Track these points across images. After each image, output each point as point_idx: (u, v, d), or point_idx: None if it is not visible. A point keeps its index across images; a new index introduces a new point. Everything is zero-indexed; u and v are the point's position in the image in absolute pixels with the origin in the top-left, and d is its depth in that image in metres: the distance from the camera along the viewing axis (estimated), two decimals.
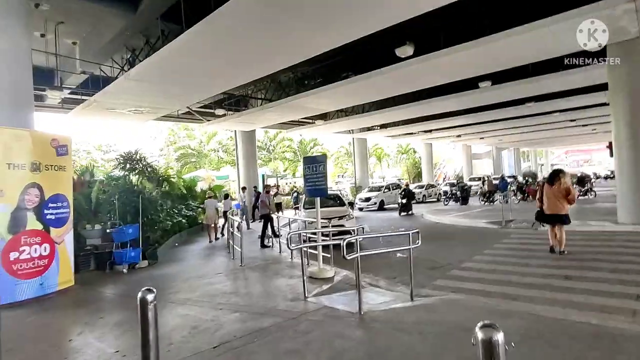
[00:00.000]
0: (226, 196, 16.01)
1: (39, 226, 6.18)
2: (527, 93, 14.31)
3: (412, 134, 28.22)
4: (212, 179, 22.21)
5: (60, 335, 4.42)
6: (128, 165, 9.22)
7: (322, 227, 10.17)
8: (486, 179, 24.66)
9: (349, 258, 4.52)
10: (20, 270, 5.87)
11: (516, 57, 9.30)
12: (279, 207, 15.87)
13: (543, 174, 43.79)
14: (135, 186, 8.79)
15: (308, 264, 7.01)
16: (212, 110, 16.74)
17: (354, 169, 28.06)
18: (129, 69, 9.98)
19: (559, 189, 7.19)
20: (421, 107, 16.54)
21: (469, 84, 13.59)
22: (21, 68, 6.76)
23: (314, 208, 11.74)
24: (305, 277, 5.59)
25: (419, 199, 24.13)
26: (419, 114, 19.83)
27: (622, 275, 5.86)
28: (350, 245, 4.66)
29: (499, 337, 1.70)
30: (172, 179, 13.62)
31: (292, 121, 20.44)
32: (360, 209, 20.73)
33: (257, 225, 14.92)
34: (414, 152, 41.24)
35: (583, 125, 25.75)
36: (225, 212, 14.77)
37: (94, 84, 12.04)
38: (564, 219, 7.25)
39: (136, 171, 9.35)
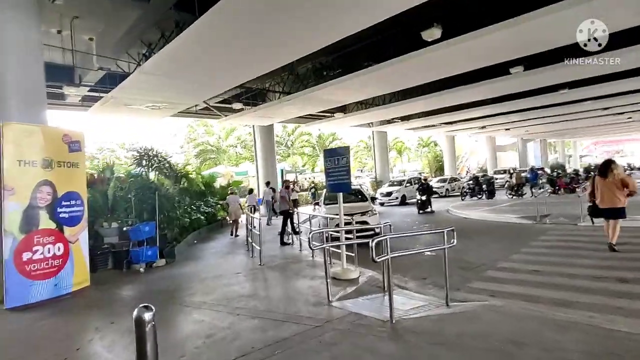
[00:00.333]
0: (250, 191, 15.89)
1: (52, 225, 5.96)
2: (563, 79, 13.32)
3: (433, 126, 27.29)
4: (231, 175, 22.06)
5: (68, 343, 4.14)
6: (144, 162, 8.99)
7: (345, 223, 9.74)
8: (513, 171, 23.63)
9: (378, 260, 4.05)
10: (33, 271, 5.66)
11: (554, 37, 8.50)
12: (294, 203, 15.61)
13: (570, 165, 41.93)
14: (152, 183, 8.53)
15: (331, 263, 6.57)
16: (229, 106, 16.47)
17: (374, 163, 27.40)
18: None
19: (614, 180, 6.52)
20: (444, 97, 15.74)
21: (496, 71, 12.79)
22: (32, 61, 6.54)
23: (334, 204, 11.34)
24: (328, 280, 5.15)
25: (441, 193, 23.35)
26: (441, 105, 18.96)
27: None
28: (377, 245, 4.18)
29: None
30: (190, 176, 13.44)
31: (310, 115, 19.98)
32: (382, 204, 20.16)
33: (276, 222, 14.66)
34: (435, 145, 40.10)
35: (618, 114, 24.24)
36: (251, 207, 14.82)
37: (112, 81, 11.90)
38: (620, 213, 6.59)
39: (153, 167, 9.11)
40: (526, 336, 3.53)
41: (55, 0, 8.44)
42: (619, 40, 8.80)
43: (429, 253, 7.23)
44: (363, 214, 10.19)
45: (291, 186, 13.08)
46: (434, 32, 7.84)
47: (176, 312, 5.06)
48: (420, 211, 15.57)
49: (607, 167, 6.65)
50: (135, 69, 10.81)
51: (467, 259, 7.15)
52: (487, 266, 6.76)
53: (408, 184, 21.63)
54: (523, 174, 21.51)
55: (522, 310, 4.38)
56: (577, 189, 16.37)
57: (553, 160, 44.19)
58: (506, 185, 20.71)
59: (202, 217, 11.76)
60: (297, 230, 9.93)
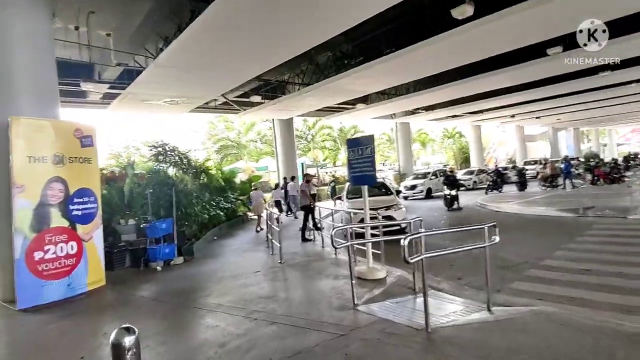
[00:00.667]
0: (276, 186, 15.60)
1: (64, 223, 5.74)
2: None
3: (459, 116, 26.19)
4: (251, 170, 21.85)
5: (74, 350, 3.85)
6: (161, 157, 8.75)
7: (370, 219, 9.24)
8: (546, 161, 22.35)
9: (412, 261, 3.54)
10: (45, 271, 5.46)
11: (604, 8, 7.63)
12: (314, 198, 15.26)
13: (606, 155, 39.56)
14: (169, 178, 8.27)
15: (355, 261, 6.09)
16: (248, 100, 16.15)
17: (397, 155, 26.59)
18: None
19: None
20: (472, 84, 14.84)
21: (530, 54, 11.88)
22: (43, 56, 6.31)
23: (358, 197, 10.82)
24: (353, 281, 4.67)
25: (468, 186, 22.37)
26: (468, 93, 17.98)
27: None
28: (410, 244, 3.66)
29: None
30: (210, 171, 13.20)
31: (331, 107, 19.43)
32: (405, 198, 19.45)
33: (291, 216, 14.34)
34: (461, 136, 38.69)
35: None
36: (276, 202, 14.61)
37: (130, 77, 11.75)
38: None
39: (169, 163, 8.86)
40: (593, 354, 2.95)
41: None
42: None
43: (461, 250, 6.65)
44: (388, 208, 9.66)
45: (312, 180, 12.63)
46: (466, 10, 7.15)
47: (190, 316, 4.71)
48: (449, 208, 14.01)
49: None
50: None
51: (506, 256, 6.51)
52: (529, 264, 6.12)
53: (433, 177, 20.80)
54: (557, 164, 20.26)
55: (581, 319, 3.76)
56: (622, 179, 15.20)
57: (586, 149, 41.84)
58: (539, 177, 19.55)
59: (222, 213, 11.49)
60: (319, 225, 9.49)
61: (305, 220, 9.72)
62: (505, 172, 25.66)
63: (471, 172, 24.54)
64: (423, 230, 5.40)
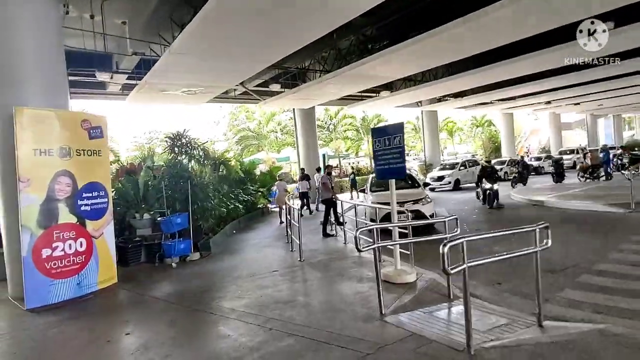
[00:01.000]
0: (303, 177, 15.11)
1: (72, 219, 5.46)
2: None
3: (489, 103, 24.83)
4: (272, 161, 21.52)
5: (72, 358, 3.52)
6: (176, 149, 8.41)
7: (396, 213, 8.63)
8: (584, 150, 20.90)
9: (453, 272, 2.96)
10: (54, 269, 5.21)
11: None
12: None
13: None
14: (185, 171, 7.93)
15: (380, 261, 5.57)
16: (268, 89, 15.70)
17: (422, 145, 25.57)
18: None
19: None
20: (505, 68, 13.71)
21: (571, 33, 10.79)
22: (49, 43, 5.98)
23: (382, 191, 10.20)
24: (380, 288, 4.13)
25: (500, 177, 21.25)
26: (500, 78, 16.81)
27: None
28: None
29: None
30: (228, 162, 12.89)
31: (353, 95, 18.71)
32: (432, 189, 18.60)
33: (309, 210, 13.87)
34: (490, 124, 36.96)
35: None
36: (303, 193, 14.05)
37: (147, 66, 11.49)
38: None
39: (185, 154, 8.52)
40: None
41: None
42: None
43: (509, 257, 5.98)
44: (416, 202, 9.00)
45: (334, 172, 12.09)
46: None
47: (200, 322, 4.31)
48: (490, 206, 11.60)
49: None
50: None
51: (551, 258, 5.75)
52: (580, 268, 5.39)
53: (462, 167, 19.83)
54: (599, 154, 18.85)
55: None
56: None
57: (629, 138, 39.12)
58: (578, 167, 18.23)
59: (241, 206, 11.14)
60: (342, 220, 8.96)
61: (327, 214, 9.21)
62: (537, 162, 24.32)
63: (502, 163, 23.32)
64: (458, 230, 4.80)
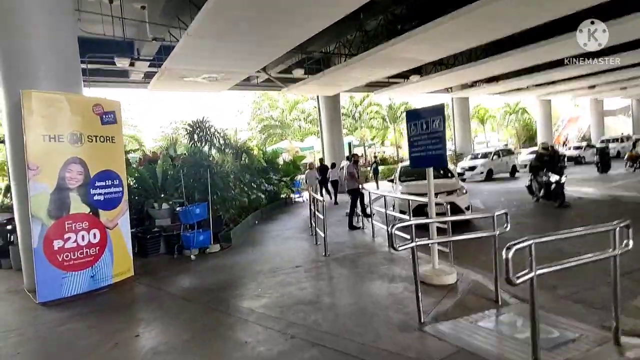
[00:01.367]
0: (333, 165, 14.69)
1: (85, 209, 5.16)
2: None
3: (523, 89, 23.35)
4: (295, 150, 21.07)
5: None
6: (196, 136, 8.05)
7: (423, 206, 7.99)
8: (634, 139, 19.31)
9: (519, 282, 2.36)
10: (66, 261, 4.94)
11: None
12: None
13: None
14: (204, 159, 7.57)
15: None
16: (291, 75, 15.17)
17: (452, 133, 24.43)
18: None
19: None
20: (548, 48, 12.56)
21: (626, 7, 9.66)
22: (62, 28, 5.61)
23: (413, 180, 9.54)
24: (419, 292, 3.58)
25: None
26: (540, 60, 15.53)
27: None
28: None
29: None
30: (251, 151, 12.52)
31: (380, 81, 17.90)
32: (463, 180, 17.67)
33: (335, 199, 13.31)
34: (524, 111, 34.99)
35: None
36: (334, 182, 13.80)
37: (167, 53, 11.23)
38: None
39: (206, 141, 8.15)
40: None
41: None
42: None
43: (585, 262, 5.27)
44: (450, 193, 8.32)
45: (360, 161, 11.51)
46: None
47: (216, 325, 3.90)
48: (558, 204, 9.38)
49: None
50: None
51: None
52: None
53: (496, 156, 18.74)
54: None
55: None
56: None
57: None
58: (626, 156, 16.79)
59: (263, 196, 10.75)
60: (369, 212, 8.40)
61: (354, 205, 8.67)
62: (577, 151, 22.71)
63: (534, 152, 21.97)
64: (508, 226, 4.15)
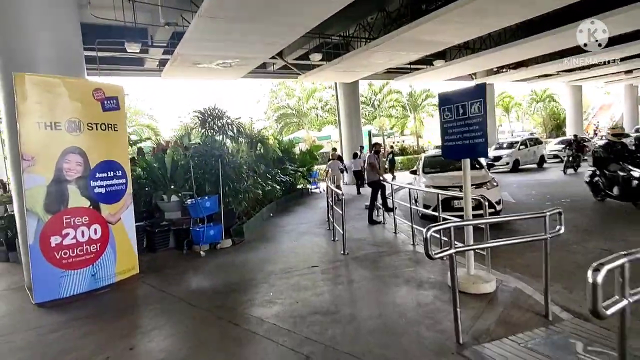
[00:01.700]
0: (355, 155, 14.29)
1: (85, 202, 4.78)
2: None
3: (552, 75, 22.00)
4: (312, 140, 20.52)
5: None
6: (207, 124, 7.59)
7: (450, 200, 7.35)
8: None
9: (610, 314, 1.77)
10: (64, 259, 4.58)
11: None
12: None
13: None
14: (214, 149, 7.11)
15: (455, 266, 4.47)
16: (308, 62, 14.53)
17: None
18: None
19: None
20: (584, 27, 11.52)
21: None
22: (63, 11, 5.20)
23: (438, 172, 8.87)
24: (458, 308, 3.02)
25: (564, 157, 18.86)
26: (573, 43, 14.36)
27: None
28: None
29: None
30: (266, 140, 12.04)
31: (401, 68, 17.04)
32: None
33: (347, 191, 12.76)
34: (551, 99, 33.27)
35: None
36: (356, 172, 13.69)
37: (180, 39, 10.79)
38: None
39: (217, 130, 7.68)
40: None
41: None
42: None
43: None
44: (479, 186, 7.64)
45: (381, 151, 10.91)
46: None
47: (220, 338, 3.45)
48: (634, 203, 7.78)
49: None
50: None
51: None
52: None
53: (522, 146, 17.77)
54: None
55: None
56: None
57: None
58: None
59: (278, 187, 10.29)
60: (391, 206, 7.82)
61: (374, 198, 8.10)
62: (601, 141, 21.34)
63: (563, 142, 20.77)
64: (562, 228, 3.51)
